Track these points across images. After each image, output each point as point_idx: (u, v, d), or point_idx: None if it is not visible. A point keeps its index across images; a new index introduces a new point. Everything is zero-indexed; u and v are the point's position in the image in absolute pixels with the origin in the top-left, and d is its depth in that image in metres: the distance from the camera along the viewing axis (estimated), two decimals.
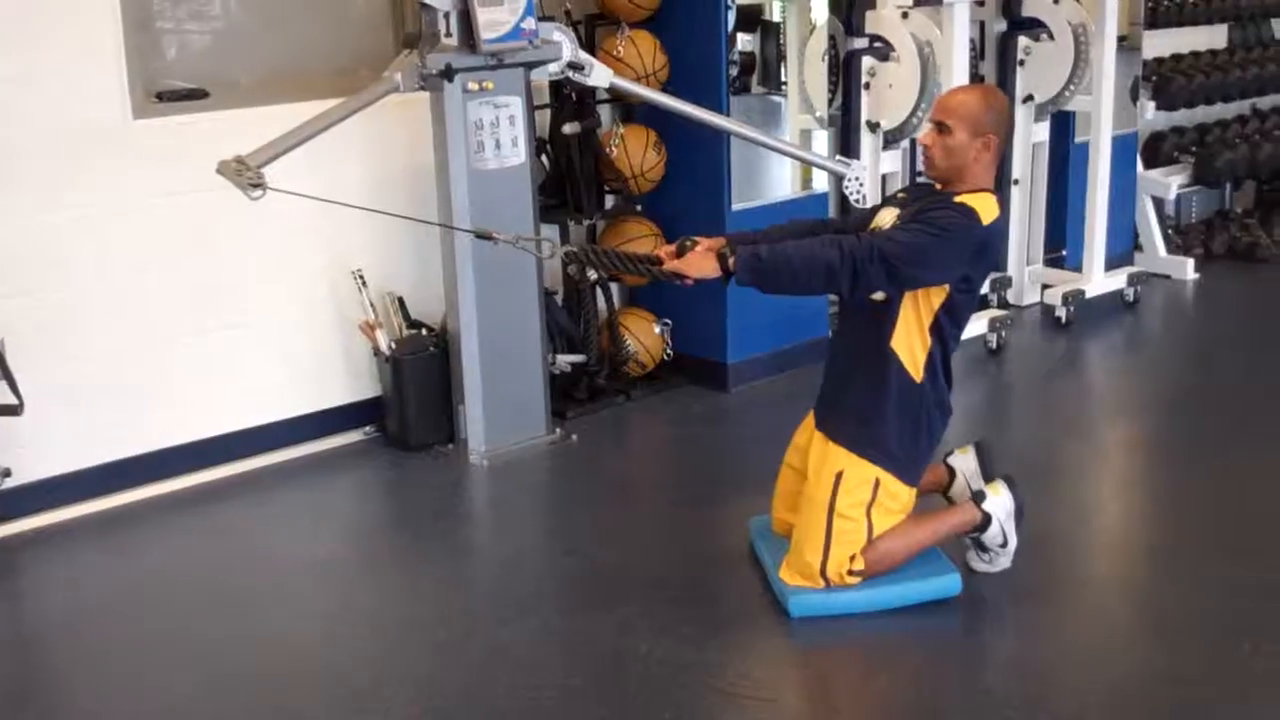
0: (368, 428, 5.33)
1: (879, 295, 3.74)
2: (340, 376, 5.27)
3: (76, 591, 4.23)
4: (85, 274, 4.64)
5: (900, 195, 4.17)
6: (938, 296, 3.76)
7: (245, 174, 4.01)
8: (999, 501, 3.95)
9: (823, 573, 3.81)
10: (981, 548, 3.99)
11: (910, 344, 3.80)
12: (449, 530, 4.62)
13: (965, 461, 4.18)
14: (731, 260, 3.64)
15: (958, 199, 3.77)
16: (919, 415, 3.88)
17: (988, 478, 4.10)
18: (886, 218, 3.90)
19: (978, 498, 3.96)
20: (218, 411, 4.99)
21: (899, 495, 3.87)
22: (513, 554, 4.44)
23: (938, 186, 3.91)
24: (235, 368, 5.01)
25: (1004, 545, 3.97)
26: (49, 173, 4.51)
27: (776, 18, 6.53)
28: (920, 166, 6.58)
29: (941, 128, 3.81)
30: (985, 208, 3.76)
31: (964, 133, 3.78)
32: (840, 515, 3.82)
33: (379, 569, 4.39)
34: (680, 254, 3.79)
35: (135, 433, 4.81)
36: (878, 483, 3.83)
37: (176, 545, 4.55)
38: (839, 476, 3.83)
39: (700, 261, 3.72)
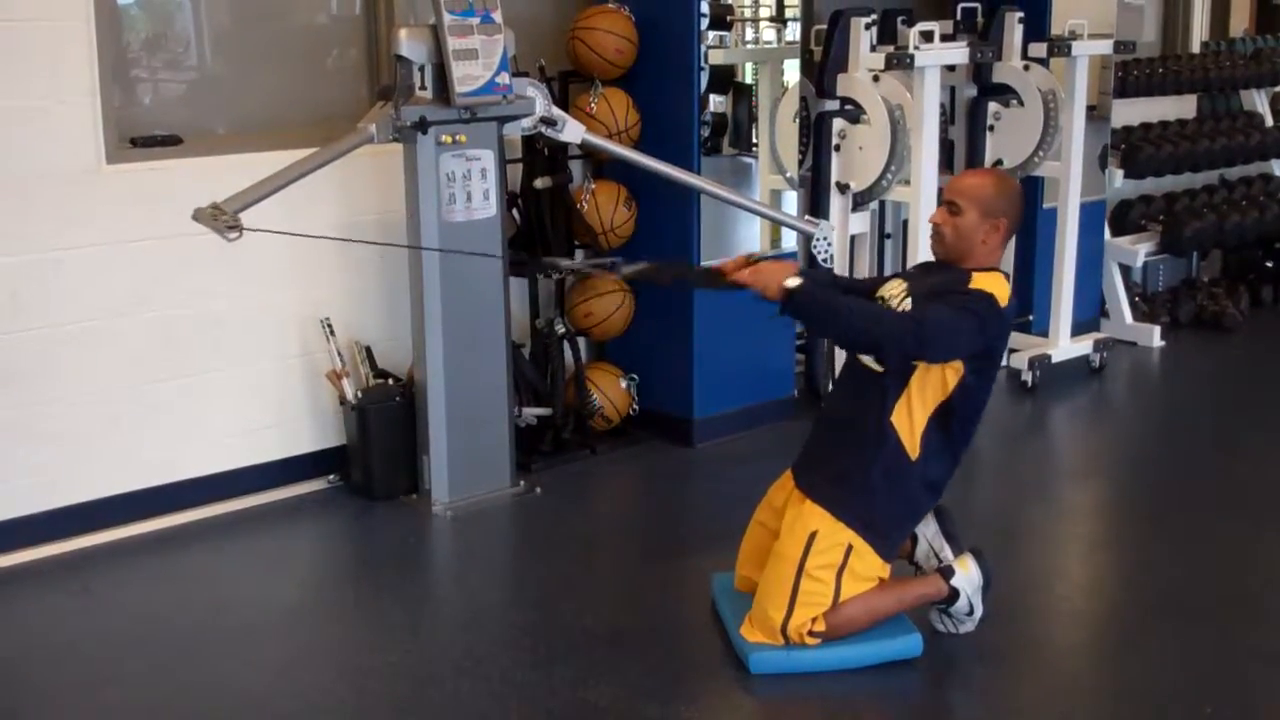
0: (332, 476, 5.32)
1: (880, 364, 3.78)
2: (306, 424, 5.26)
3: (32, 636, 4.18)
4: (52, 317, 4.62)
5: (911, 269, 4.21)
6: (953, 377, 3.76)
7: (221, 218, 4.03)
8: (967, 578, 3.95)
9: (783, 630, 3.80)
10: (947, 614, 4.00)
11: (912, 422, 3.79)
12: (410, 580, 4.60)
13: (926, 525, 4.17)
14: (796, 284, 3.65)
15: (974, 282, 3.78)
16: (906, 494, 3.89)
17: (949, 538, 4.10)
18: (894, 288, 3.93)
19: (945, 574, 3.96)
20: (181, 457, 4.97)
21: (871, 565, 3.85)
22: (474, 605, 4.42)
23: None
24: (200, 414, 5.00)
25: (970, 614, 3.98)
26: (18, 215, 4.51)
27: (749, 79, 6.58)
28: (889, 228, 6.70)
29: (953, 207, 3.84)
30: (1001, 290, 3.79)
31: (974, 214, 3.82)
32: (809, 575, 3.80)
33: (340, 618, 4.37)
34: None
35: (96, 477, 4.79)
36: (850, 548, 3.82)
37: (136, 591, 4.52)
38: (812, 536, 3.82)
39: (767, 277, 3.72)
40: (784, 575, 3.83)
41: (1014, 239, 6.73)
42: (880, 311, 3.76)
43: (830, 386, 6.08)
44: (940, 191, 5.99)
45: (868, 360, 3.86)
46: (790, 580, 3.81)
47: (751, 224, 5.93)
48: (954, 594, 3.94)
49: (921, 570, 4.12)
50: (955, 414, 3.81)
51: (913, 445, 3.81)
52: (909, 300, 3.82)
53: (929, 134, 5.99)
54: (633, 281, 4.41)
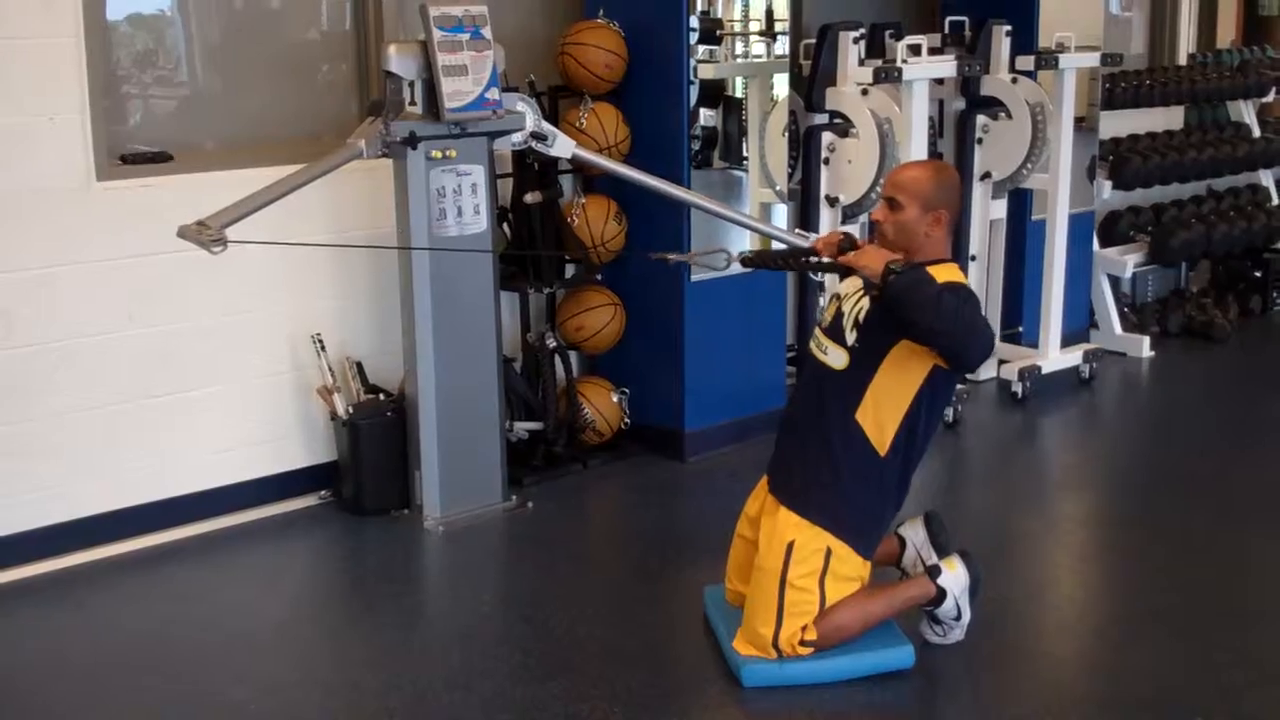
0: (323, 492, 5.31)
1: (840, 363, 3.80)
2: (296, 440, 5.26)
3: (26, 652, 4.19)
4: (43, 334, 4.62)
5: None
6: (920, 372, 3.75)
7: (206, 232, 4.04)
8: (954, 577, 3.96)
9: (775, 644, 3.81)
10: (935, 620, 4.00)
11: (879, 418, 3.80)
12: (402, 595, 4.60)
13: (915, 532, 4.20)
14: (898, 265, 3.63)
15: (934, 273, 3.73)
16: (878, 490, 3.89)
17: (938, 547, 4.11)
18: (850, 286, 3.93)
19: (933, 573, 3.97)
20: (171, 473, 4.97)
21: (852, 566, 3.86)
22: (466, 620, 4.42)
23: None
24: (190, 430, 5.00)
25: (958, 619, 3.99)
26: (8, 233, 4.51)
27: (739, 93, 6.60)
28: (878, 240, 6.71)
29: (893, 204, 3.84)
30: (962, 279, 3.80)
31: (915, 208, 3.81)
32: (792, 586, 3.81)
33: (331, 634, 4.37)
34: (842, 251, 3.88)
35: (89, 493, 4.79)
36: (829, 552, 3.82)
37: (127, 607, 4.51)
38: (790, 546, 3.82)
39: (870, 259, 3.70)
40: (768, 590, 3.83)
41: (1003, 250, 6.89)
42: (964, 314, 3.62)
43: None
44: None
45: (826, 359, 3.88)
46: (774, 594, 3.82)
47: (743, 237, 5.94)
48: (941, 594, 3.94)
49: (909, 576, 4.13)
50: (924, 407, 3.81)
51: (881, 442, 3.81)
52: (865, 299, 3.83)
53: (917, 147, 6.00)
54: (750, 264, 4.34)
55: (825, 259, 3.96)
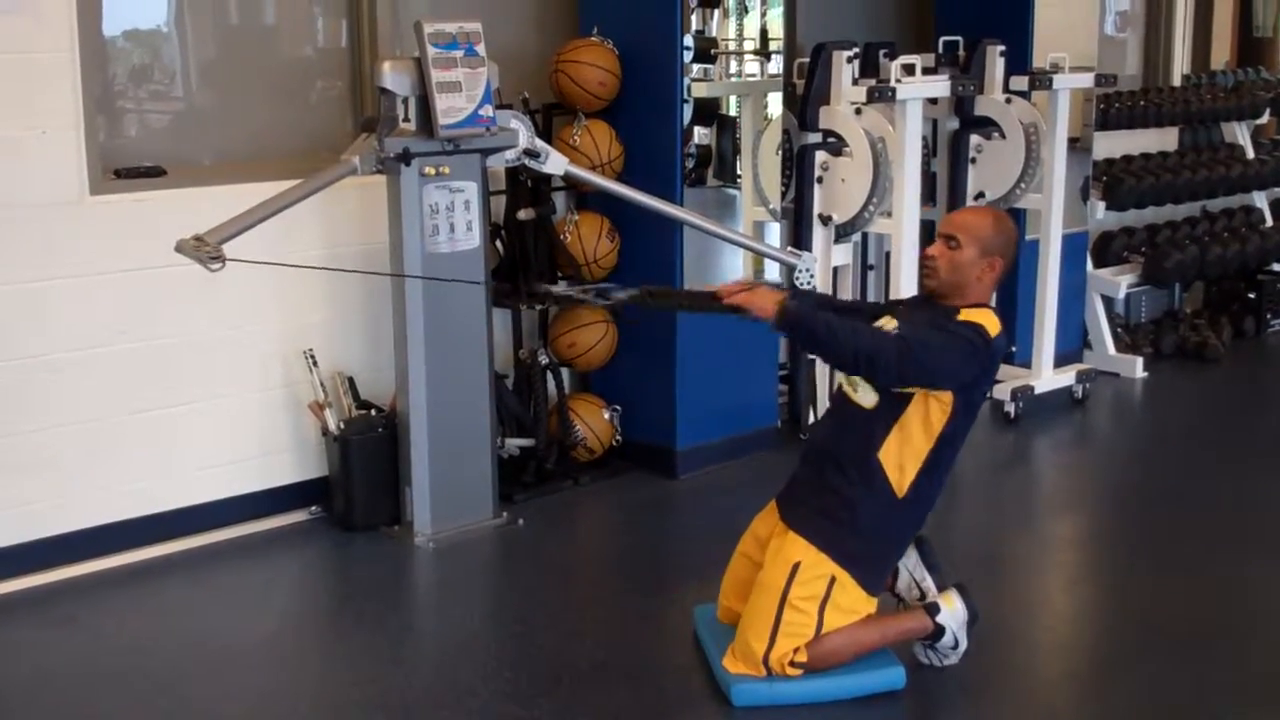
0: (313, 507, 5.30)
1: (869, 402, 3.80)
2: (287, 455, 5.25)
3: (12, 667, 4.16)
4: (34, 348, 4.61)
5: (900, 306, 4.22)
6: (940, 416, 3.76)
7: (204, 249, 4.04)
8: (952, 614, 3.96)
9: (765, 660, 3.80)
10: (932, 648, 4.00)
11: (901, 460, 3.80)
12: (391, 612, 4.59)
13: (907, 556, 4.17)
14: (789, 305, 3.71)
15: (962, 315, 3.80)
16: (892, 530, 3.90)
17: (930, 568, 4.10)
18: (886, 324, 3.94)
19: (931, 610, 3.96)
20: (163, 488, 4.96)
21: (854, 599, 3.84)
22: (455, 637, 4.41)
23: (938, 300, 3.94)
24: (181, 444, 4.99)
25: (955, 648, 3.99)
26: (1, 246, 4.50)
27: (733, 112, 6.61)
28: (871, 260, 6.72)
29: (952, 242, 3.85)
30: (990, 323, 3.81)
31: (973, 250, 3.83)
32: (791, 606, 3.80)
33: (320, 650, 4.36)
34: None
35: (79, 507, 4.78)
36: (834, 580, 3.81)
37: (118, 621, 4.50)
38: (796, 566, 3.82)
39: (762, 300, 3.77)
40: (767, 605, 3.83)
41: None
42: (870, 331, 3.77)
43: (813, 419, 6.09)
44: (926, 225, 6.04)
45: (856, 397, 3.87)
46: (773, 610, 3.81)
47: (735, 256, 5.95)
48: (940, 630, 3.94)
49: (903, 601, 4.12)
50: (945, 452, 3.83)
51: (900, 483, 3.81)
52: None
53: (911, 167, 6.00)
54: (625, 309, 4.41)
55: (724, 302, 3.90)
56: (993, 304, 3.97)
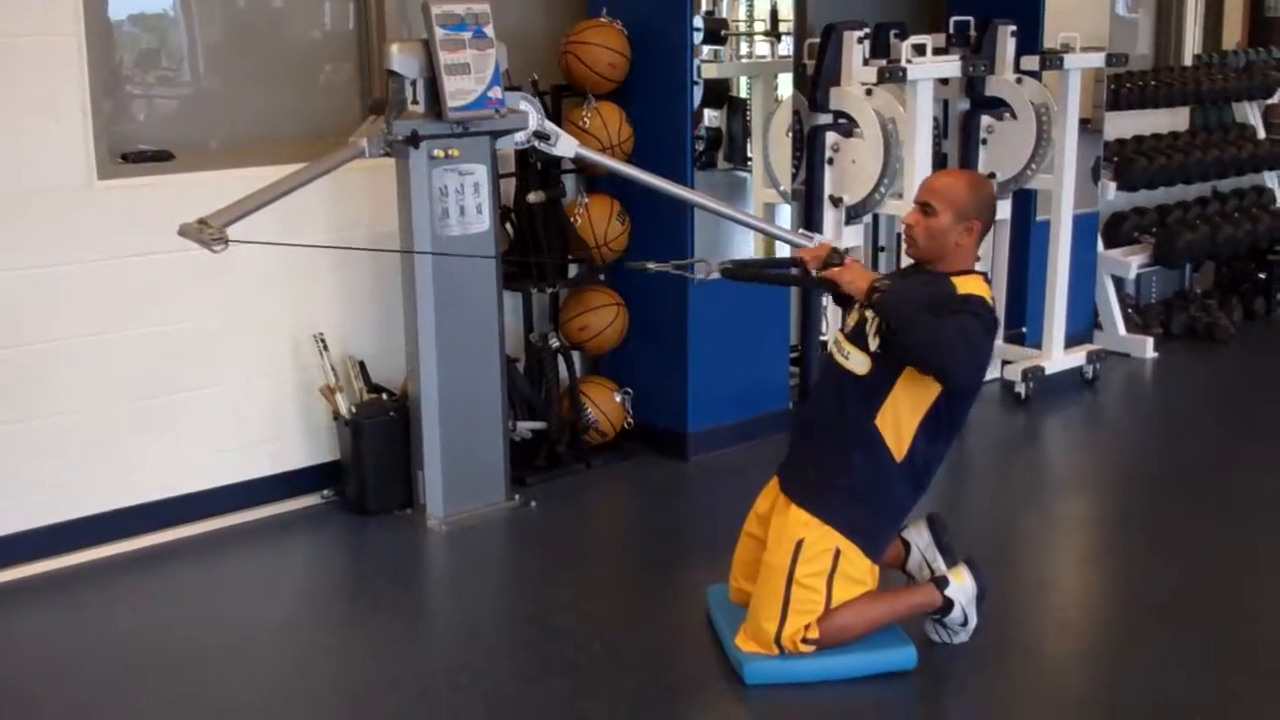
0: (326, 491, 5.31)
1: (862, 369, 3.80)
2: (299, 439, 5.25)
3: (27, 651, 4.18)
4: (44, 333, 4.62)
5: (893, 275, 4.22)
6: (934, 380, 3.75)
7: (207, 231, 4.04)
8: (961, 588, 3.96)
9: (777, 640, 3.80)
10: (942, 624, 4.00)
11: (898, 425, 3.79)
12: (404, 595, 4.60)
13: (919, 535, 4.17)
14: (883, 283, 3.73)
15: (958, 287, 3.78)
16: (892, 495, 3.89)
17: (942, 549, 4.10)
18: None
19: (940, 584, 3.96)
20: (173, 472, 4.97)
21: (860, 567, 3.85)
22: (468, 619, 4.42)
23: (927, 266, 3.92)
24: (193, 429, 4.99)
25: (965, 624, 3.99)
26: (10, 231, 4.51)
27: (743, 93, 6.59)
28: (883, 241, 6.71)
29: (926, 209, 3.83)
30: (985, 292, 3.80)
31: (949, 215, 3.81)
32: (799, 584, 3.80)
33: (333, 633, 4.36)
34: (827, 265, 3.95)
35: (91, 492, 4.78)
36: (838, 552, 3.82)
37: (131, 606, 4.51)
38: (799, 545, 3.82)
39: (853, 275, 3.81)
40: (774, 586, 3.83)
41: (1007, 251, 6.87)
42: (944, 327, 3.65)
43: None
44: None
45: (848, 365, 3.86)
46: (781, 590, 3.81)
47: (746, 237, 5.94)
48: (948, 604, 3.94)
49: (914, 580, 4.12)
50: (943, 415, 3.81)
51: (899, 447, 3.81)
52: None
53: (922, 147, 5.99)
54: (729, 274, 4.36)
55: (811, 272, 3.98)
56: (978, 266, 3.95)
